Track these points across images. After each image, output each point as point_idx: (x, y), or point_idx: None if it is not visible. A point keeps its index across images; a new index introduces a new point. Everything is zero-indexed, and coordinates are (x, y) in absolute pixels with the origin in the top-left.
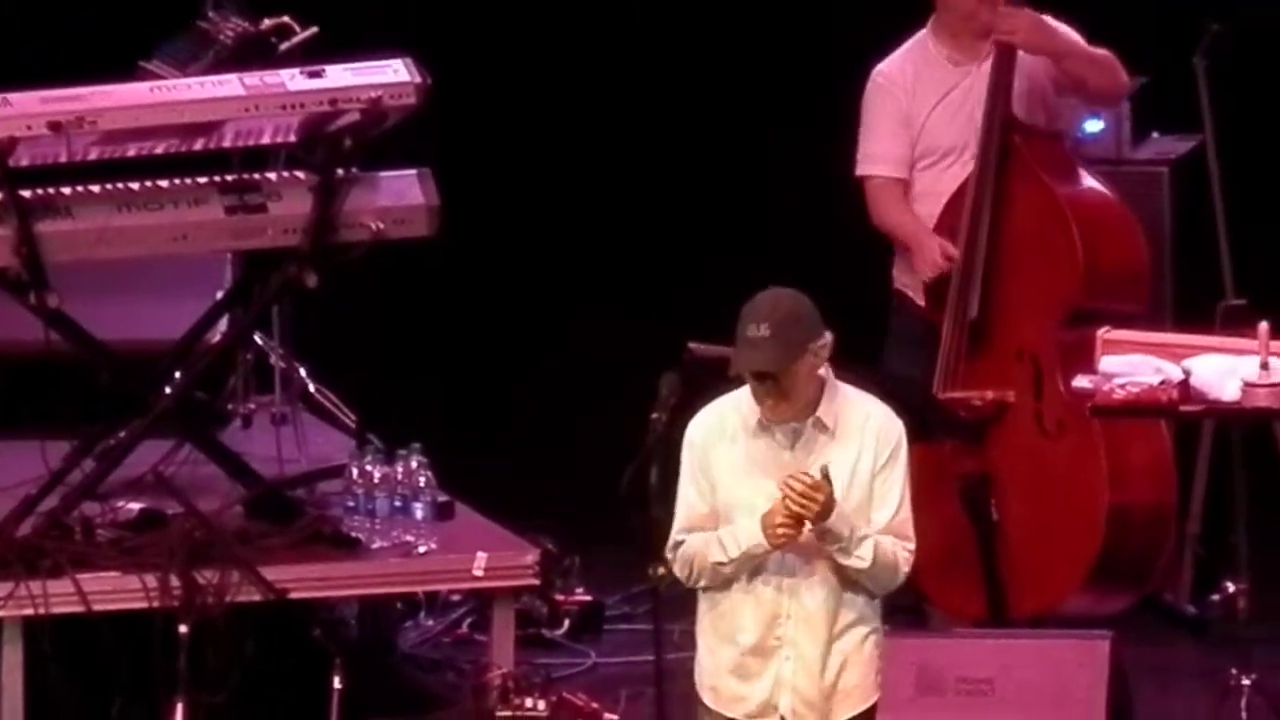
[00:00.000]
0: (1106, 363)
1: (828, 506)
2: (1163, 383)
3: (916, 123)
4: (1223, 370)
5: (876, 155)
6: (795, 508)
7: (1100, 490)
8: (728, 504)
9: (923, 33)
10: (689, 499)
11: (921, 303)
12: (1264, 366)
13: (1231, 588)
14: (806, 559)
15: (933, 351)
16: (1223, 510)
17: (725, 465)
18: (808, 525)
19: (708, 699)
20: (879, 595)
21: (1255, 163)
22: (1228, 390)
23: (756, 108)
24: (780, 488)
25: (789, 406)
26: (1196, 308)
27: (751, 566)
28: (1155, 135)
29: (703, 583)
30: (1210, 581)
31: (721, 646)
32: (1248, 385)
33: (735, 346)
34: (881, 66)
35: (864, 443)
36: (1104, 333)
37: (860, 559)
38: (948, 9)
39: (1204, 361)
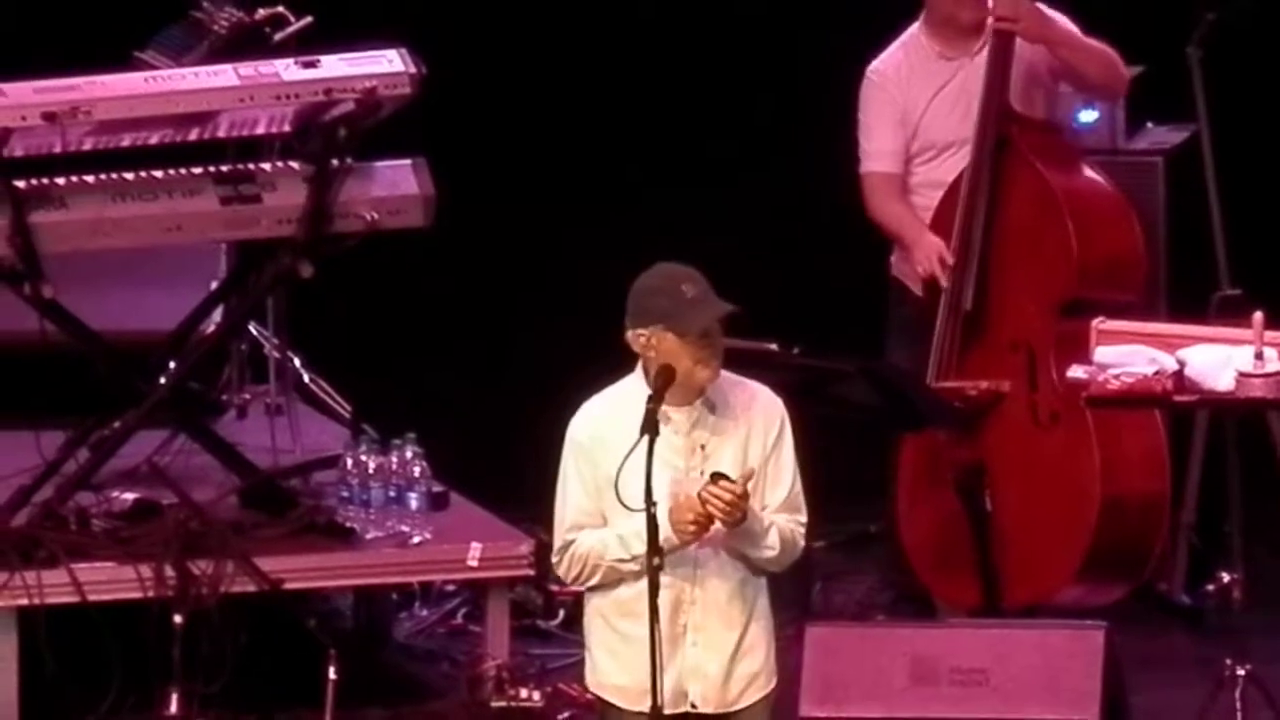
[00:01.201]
0: (1101, 353)
1: (745, 511)
2: (1157, 373)
3: (913, 118)
4: (1218, 360)
5: (874, 152)
6: (720, 516)
7: (1093, 481)
8: (618, 498)
9: (914, 28)
10: (576, 499)
11: (919, 292)
12: (1259, 356)
13: (1226, 578)
14: (712, 544)
15: (928, 336)
16: (1217, 501)
17: (617, 459)
18: (717, 523)
19: (618, 700)
20: (779, 571)
21: (1250, 152)
22: (1222, 380)
23: (750, 102)
24: (702, 495)
25: (720, 366)
26: (1191, 298)
27: None
28: (1150, 125)
29: (595, 581)
30: (1205, 572)
31: (622, 644)
32: (1242, 375)
33: (679, 310)
34: (875, 64)
35: (751, 425)
36: (1098, 323)
37: (770, 548)
38: (932, 8)
39: (1199, 352)
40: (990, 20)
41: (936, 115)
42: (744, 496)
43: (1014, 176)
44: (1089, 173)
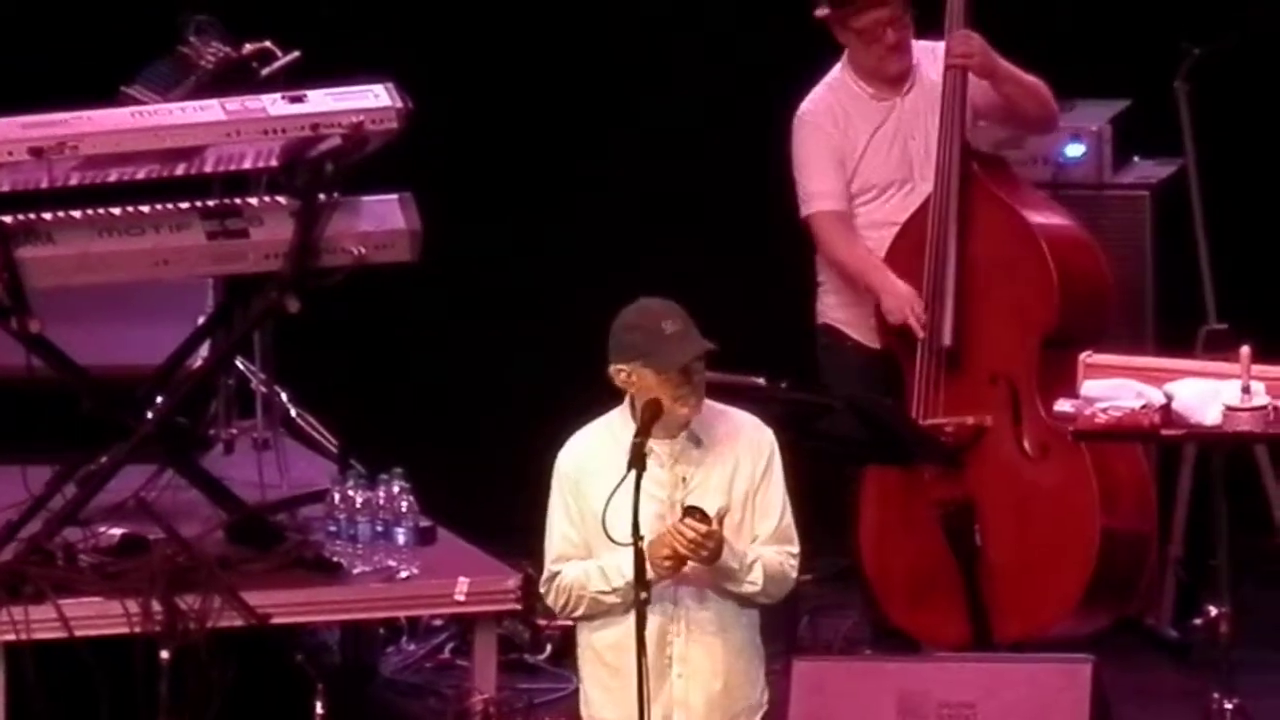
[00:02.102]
0: (1088, 387)
1: (718, 549)
2: (1144, 407)
3: (851, 160)
4: (1205, 394)
5: (819, 192)
6: (685, 553)
7: (1092, 512)
8: (603, 530)
9: (839, 70)
10: (562, 530)
11: (857, 336)
12: (1245, 390)
13: (1214, 611)
14: (693, 579)
15: (875, 383)
16: (1204, 534)
17: (603, 490)
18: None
19: None
20: (769, 603)
21: (1237, 186)
22: (1209, 414)
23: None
24: (670, 532)
25: (701, 403)
26: (1178, 332)
27: None
28: (1137, 160)
29: (580, 612)
30: (1192, 605)
31: (612, 678)
32: (1229, 409)
33: (657, 349)
34: (807, 106)
35: (739, 457)
36: (1086, 357)
37: (752, 584)
38: (856, 58)
39: (1186, 385)
40: (915, 59)
41: (876, 155)
42: (709, 535)
43: (981, 211)
44: (1048, 203)
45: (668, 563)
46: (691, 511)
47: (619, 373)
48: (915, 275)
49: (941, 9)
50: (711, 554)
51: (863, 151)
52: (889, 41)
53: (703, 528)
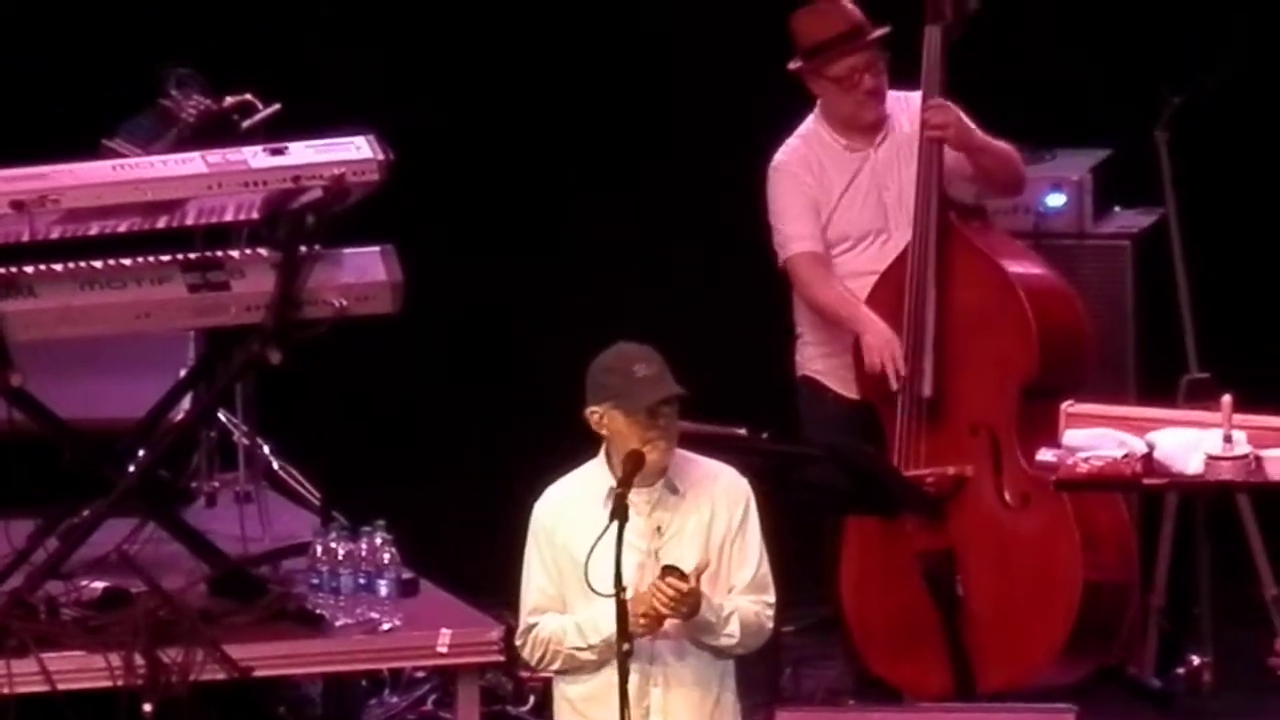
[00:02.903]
0: (1070, 436)
1: (697, 605)
2: (1126, 456)
3: (826, 209)
4: (1187, 443)
5: (796, 235)
6: (666, 611)
7: (1075, 561)
8: (582, 581)
9: (811, 122)
10: (538, 582)
11: (836, 387)
12: (1227, 440)
13: (1196, 660)
14: (671, 633)
15: (856, 435)
16: (1187, 583)
17: (581, 541)
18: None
19: None
20: (745, 654)
21: (1217, 235)
22: (1191, 463)
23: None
24: (650, 590)
25: (671, 448)
26: (1160, 381)
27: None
28: (1117, 209)
29: (556, 666)
30: (1175, 654)
31: None
32: (1211, 458)
33: (627, 391)
34: (781, 156)
35: (715, 505)
36: (1068, 406)
37: (729, 636)
38: (830, 108)
39: (1168, 435)
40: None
41: (850, 207)
42: (691, 593)
43: (959, 262)
44: (1026, 253)
45: (644, 620)
46: (669, 570)
47: (592, 414)
48: (894, 326)
49: (916, 56)
50: (691, 610)
51: (837, 203)
52: (866, 87)
53: (683, 585)
